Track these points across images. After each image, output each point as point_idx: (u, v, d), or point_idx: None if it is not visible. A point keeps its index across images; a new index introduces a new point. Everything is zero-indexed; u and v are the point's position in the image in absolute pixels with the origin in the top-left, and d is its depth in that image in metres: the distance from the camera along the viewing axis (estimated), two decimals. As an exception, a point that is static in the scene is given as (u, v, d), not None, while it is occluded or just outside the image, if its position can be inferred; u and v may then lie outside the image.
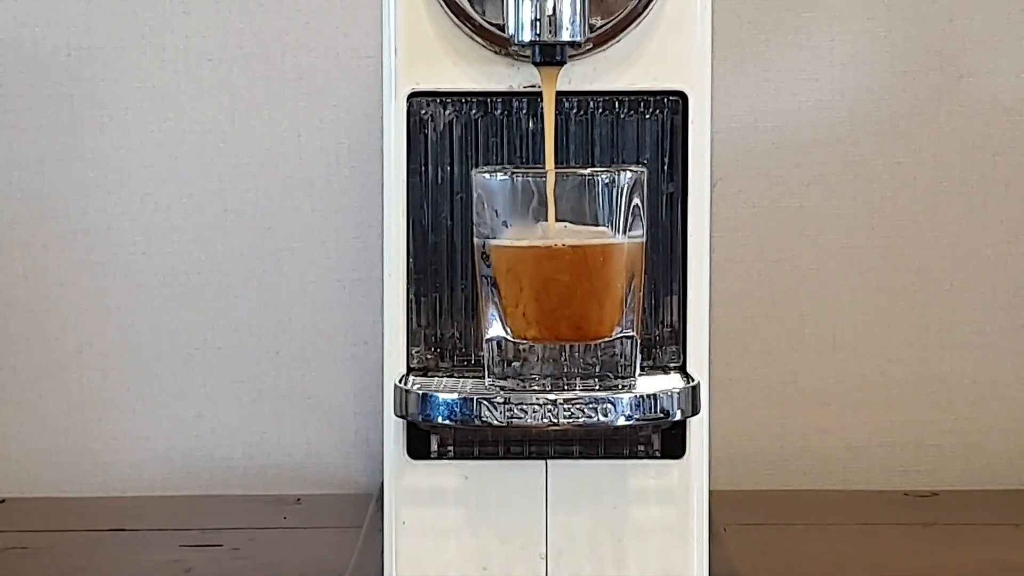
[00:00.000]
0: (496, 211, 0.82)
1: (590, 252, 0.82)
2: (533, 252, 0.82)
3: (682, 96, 0.86)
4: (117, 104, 1.22)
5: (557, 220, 0.82)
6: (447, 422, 0.82)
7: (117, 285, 1.23)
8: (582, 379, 0.82)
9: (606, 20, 0.84)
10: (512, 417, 0.80)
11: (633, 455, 0.87)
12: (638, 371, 0.83)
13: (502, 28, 0.83)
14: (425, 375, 0.86)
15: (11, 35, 1.21)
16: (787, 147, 1.23)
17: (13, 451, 1.23)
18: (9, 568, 1.06)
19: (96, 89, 1.22)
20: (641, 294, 0.83)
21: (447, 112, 0.86)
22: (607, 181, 0.82)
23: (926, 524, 1.15)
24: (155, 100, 1.22)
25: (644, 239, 0.83)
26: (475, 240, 0.84)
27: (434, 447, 0.87)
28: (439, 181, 0.86)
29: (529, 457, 0.87)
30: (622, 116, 0.86)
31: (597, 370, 0.82)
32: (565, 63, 0.83)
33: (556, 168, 0.84)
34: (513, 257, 0.82)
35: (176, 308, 1.23)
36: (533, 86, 0.85)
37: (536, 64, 0.83)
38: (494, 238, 0.82)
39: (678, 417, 0.83)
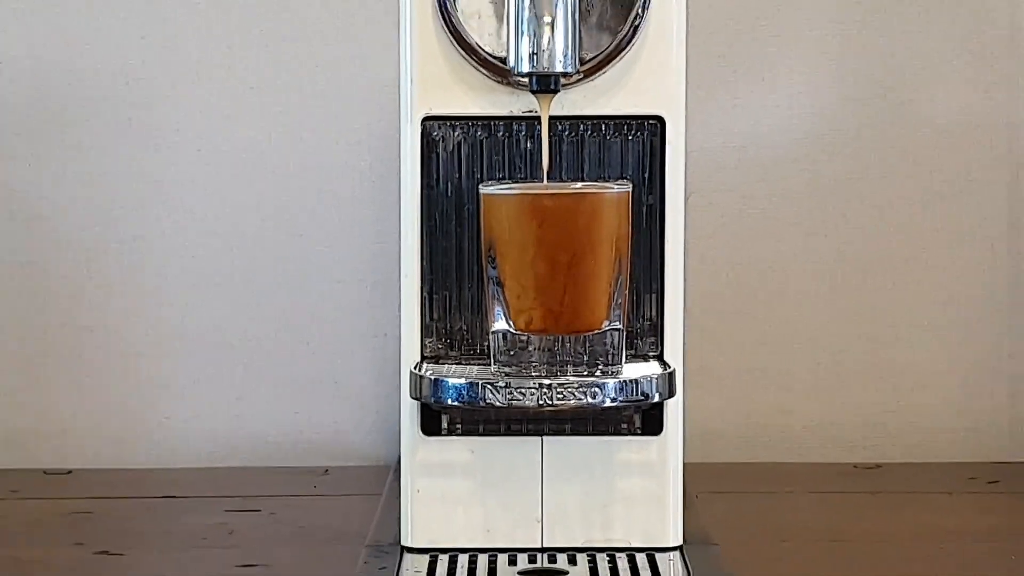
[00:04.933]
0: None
1: (581, 201, 0.82)
2: (530, 201, 0.82)
3: (660, 120, 0.86)
4: (169, 127, 1.22)
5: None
6: (456, 403, 0.82)
7: (169, 284, 1.23)
8: (574, 366, 0.82)
9: (594, 54, 0.84)
10: (512, 399, 0.80)
11: (618, 432, 0.87)
12: (624, 360, 0.83)
13: (504, 60, 0.83)
14: (437, 363, 0.86)
15: (77, 66, 1.21)
16: (752, 165, 1.22)
17: (80, 429, 1.23)
18: (76, 530, 1.06)
19: (151, 114, 1.22)
20: (627, 291, 0.83)
21: (456, 134, 0.86)
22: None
23: (872, 492, 1.15)
24: (202, 123, 1.22)
25: (627, 196, 0.83)
26: (482, 242, 0.84)
27: (444, 425, 0.87)
28: (449, 194, 0.86)
29: (527, 434, 0.87)
30: (608, 137, 0.86)
31: (587, 358, 0.82)
32: (559, 91, 0.83)
33: (551, 183, 0.85)
34: (505, 210, 0.82)
35: (220, 305, 1.23)
36: (531, 111, 0.85)
37: (533, 92, 0.83)
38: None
39: (657, 399, 0.83)
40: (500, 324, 0.83)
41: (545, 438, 0.87)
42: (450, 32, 0.84)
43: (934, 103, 1.23)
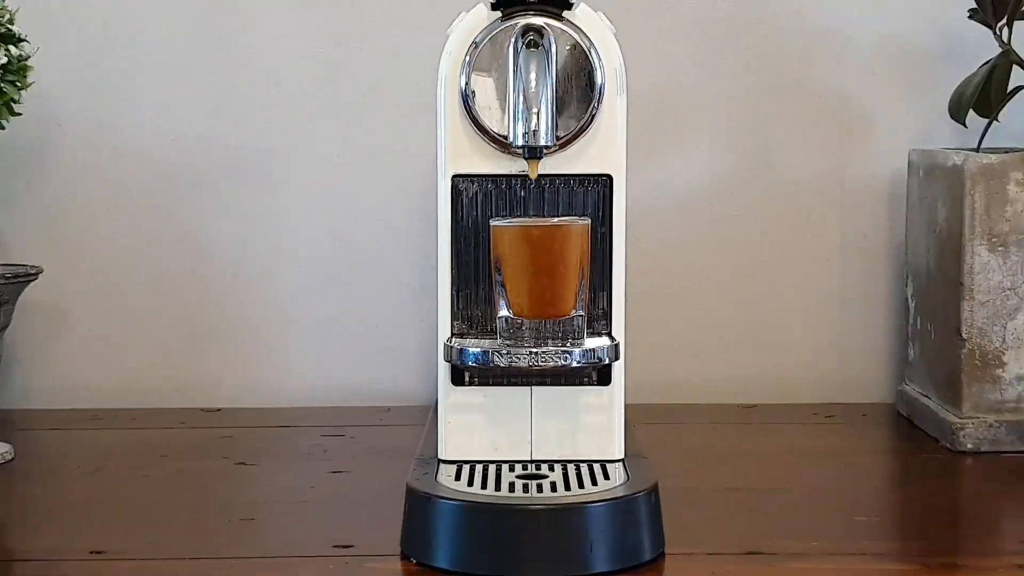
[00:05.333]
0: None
1: (559, 229, 0.82)
2: (523, 230, 0.81)
3: (609, 177, 0.85)
4: (282, 180, 1.22)
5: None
6: (474, 364, 0.82)
7: (284, 285, 1.23)
8: (552, 340, 0.82)
9: (565, 133, 0.84)
10: (511, 362, 0.80)
11: (581, 383, 0.86)
12: (585, 335, 0.83)
13: (505, 137, 0.83)
14: (462, 338, 0.86)
15: (222, 140, 1.21)
16: (671, 206, 1.22)
17: (226, 380, 1.23)
18: (223, 448, 1.06)
19: (270, 172, 1.22)
20: (587, 291, 0.83)
21: (474, 186, 0.86)
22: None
23: (750, 423, 1.15)
24: (305, 178, 1.22)
25: (588, 226, 0.83)
26: (491, 258, 0.83)
27: (467, 379, 0.86)
28: (470, 226, 0.86)
29: (521, 385, 0.86)
30: (575, 188, 0.86)
31: (561, 334, 0.82)
32: (542, 158, 0.83)
33: (537, 217, 0.85)
34: (506, 236, 0.81)
35: (318, 299, 1.23)
36: (523, 171, 0.84)
37: (525, 158, 0.83)
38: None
39: (607, 361, 0.83)
40: (503, 312, 0.82)
41: (533, 387, 0.86)
42: (470, 119, 0.84)
43: (791, 163, 1.23)
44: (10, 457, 1.02)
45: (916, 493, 0.96)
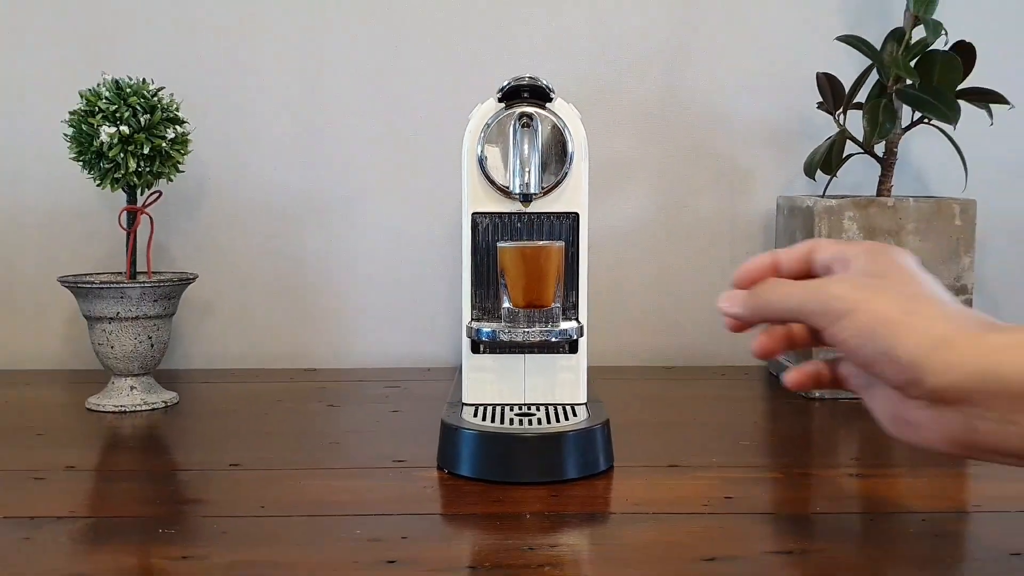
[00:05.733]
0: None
1: (543, 249, 0.81)
2: (519, 250, 0.81)
3: (577, 214, 0.85)
4: (359, 216, 1.20)
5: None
6: (486, 340, 0.82)
7: (358, 284, 1.20)
8: (538, 323, 0.82)
9: (547, 185, 0.84)
10: (511, 337, 0.80)
11: (558, 352, 0.86)
12: (561, 320, 0.83)
13: (507, 187, 0.83)
14: (478, 321, 0.86)
15: (316, 186, 1.20)
16: (618, 234, 1.21)
17: (319, 348, 1.21)
18: (318, 396, 1.05)
19: (350, 211, 1.20)
20: (562, 289, 0.83)
21: (486, 220, 0.85)
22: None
23: (672, 379, 1.15)
24: (373, 215, 1.20)
25: (563, 247, 0.82)
26: (498, 268, 0.83)
27: (481, 349, 0.86)
28: (483, 246, 0.86)
29: (518, 353, 0.86)
30: (554, 221, 0.86)
31: (545, 319, 0.82)
32: (532, 201, 0.83)
33: (529, 240, 0.85)
34: (508, 253, 0.81)
35: (380, 294, 1.21)
36: (520, 210, 0.84)
37: (520, 201, 0.83)
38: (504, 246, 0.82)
39: (575, 337, 0.83)
40: (506, 304, 0.82)
41: (526, 355, 0.86)
42: (483, 174, 0.84)
43: (698, 206, 1.22)
44: (176, 401, 1.02)
45: (781, 426, 0.96)
